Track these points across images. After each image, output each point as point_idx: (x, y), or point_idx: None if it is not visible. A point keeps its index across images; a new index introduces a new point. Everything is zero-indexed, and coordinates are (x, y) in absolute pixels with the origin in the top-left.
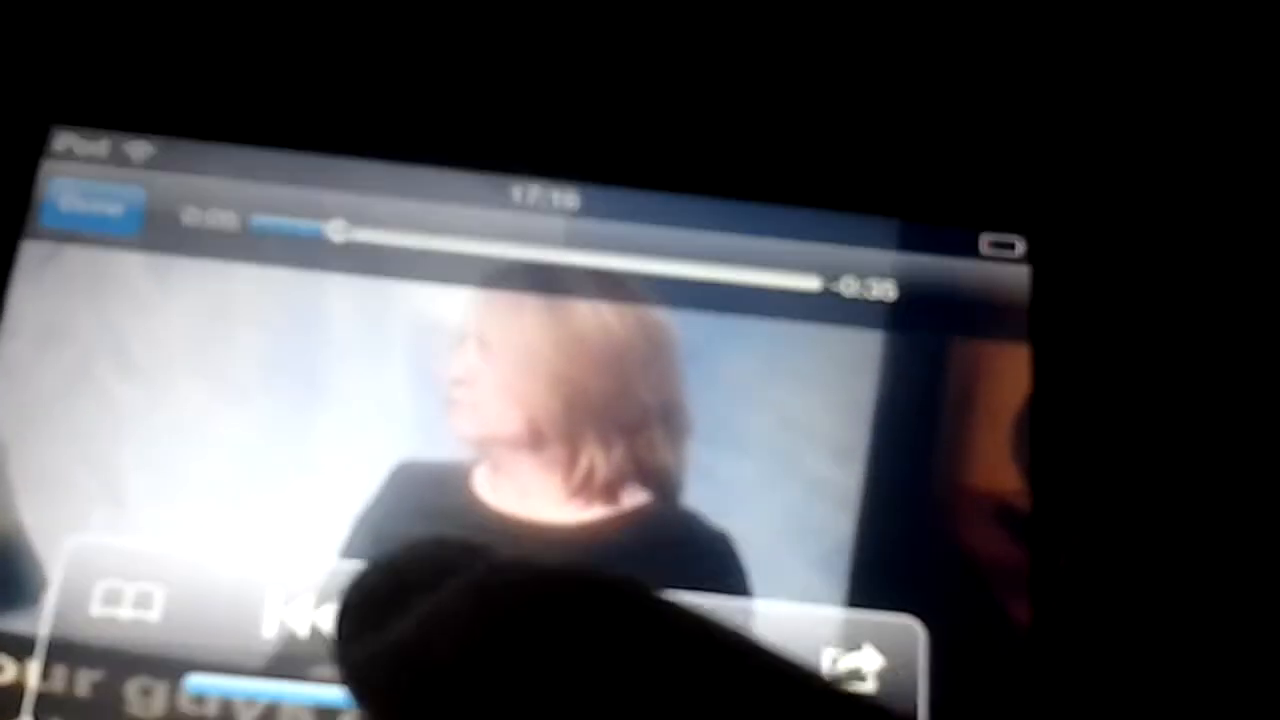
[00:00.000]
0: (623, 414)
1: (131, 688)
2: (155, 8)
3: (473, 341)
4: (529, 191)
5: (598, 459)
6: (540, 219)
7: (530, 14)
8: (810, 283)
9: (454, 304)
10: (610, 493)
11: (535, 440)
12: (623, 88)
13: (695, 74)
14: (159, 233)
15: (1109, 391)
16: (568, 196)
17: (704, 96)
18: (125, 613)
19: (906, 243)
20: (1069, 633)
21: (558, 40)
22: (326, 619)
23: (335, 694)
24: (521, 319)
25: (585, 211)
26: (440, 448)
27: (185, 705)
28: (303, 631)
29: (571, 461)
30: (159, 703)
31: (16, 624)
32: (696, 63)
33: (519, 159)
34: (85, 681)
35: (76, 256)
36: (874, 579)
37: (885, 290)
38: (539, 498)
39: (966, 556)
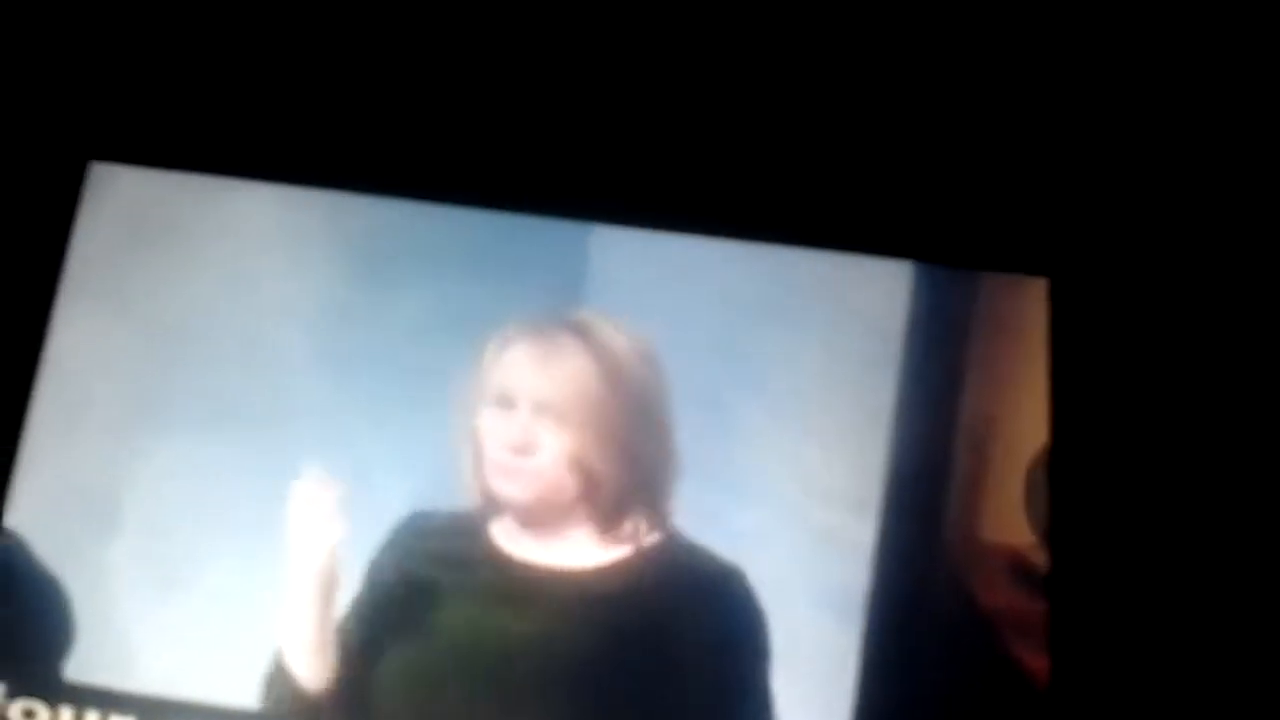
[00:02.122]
0: (651, 457)
1: None
2: (195, 51)
3: (528, 408)
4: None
5: (634, 505)
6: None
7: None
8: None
9: (498, 364)
10: (634, 534)
11: (588, 498)
12: (655, 131)
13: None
14: None
15: (1128, 434)
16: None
17: (730, 140)
18: None
19: (922, 287)
20: (1087, 684)
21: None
22: None
23: None
24: (572, 379)
25: (601, 259)
26: (452, 499)
27: None
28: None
29: (614, 513)
30: None
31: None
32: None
33: (536, 200)
34: None
35: None
36: (889, 627)
37: (897, 336)
38: (564, 545)
39: (980, 608)
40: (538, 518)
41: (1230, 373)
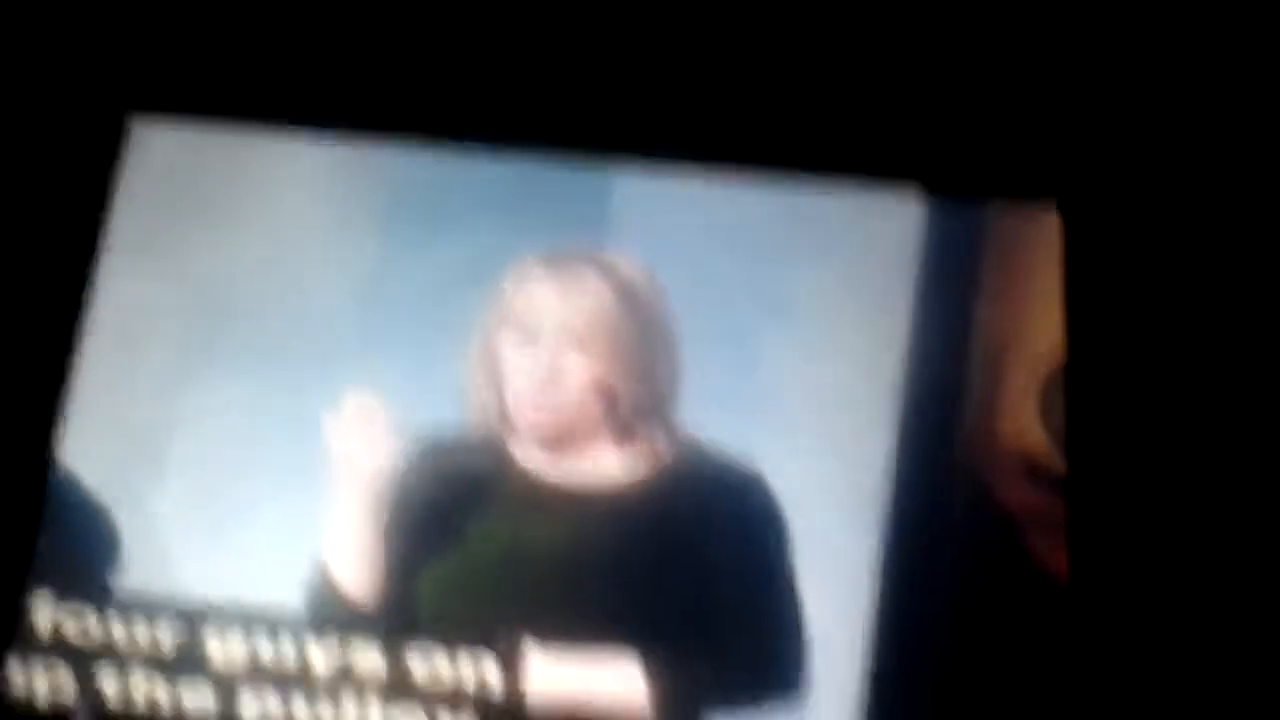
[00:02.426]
0: (662, 372)
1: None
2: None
3: (551, 338)
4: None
5: (649, 418)
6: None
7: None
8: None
9: (518, 295)
10: (651, 444)
11: (608, 416)
12: (669, 67)
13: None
14: None
15: (1141, 345)
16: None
17: (742, 77)
18: None
19: (934, 217)
20: (1105, 578)
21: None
22: None
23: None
24: (592, 306)
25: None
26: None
27: None
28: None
29: (631, 427)
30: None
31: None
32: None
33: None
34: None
35: None
36: (907, 530)
37: (911, 264)
38: (586, 462)
39: (997, 506)
40: (561, 439)
41: (1241, 285)
